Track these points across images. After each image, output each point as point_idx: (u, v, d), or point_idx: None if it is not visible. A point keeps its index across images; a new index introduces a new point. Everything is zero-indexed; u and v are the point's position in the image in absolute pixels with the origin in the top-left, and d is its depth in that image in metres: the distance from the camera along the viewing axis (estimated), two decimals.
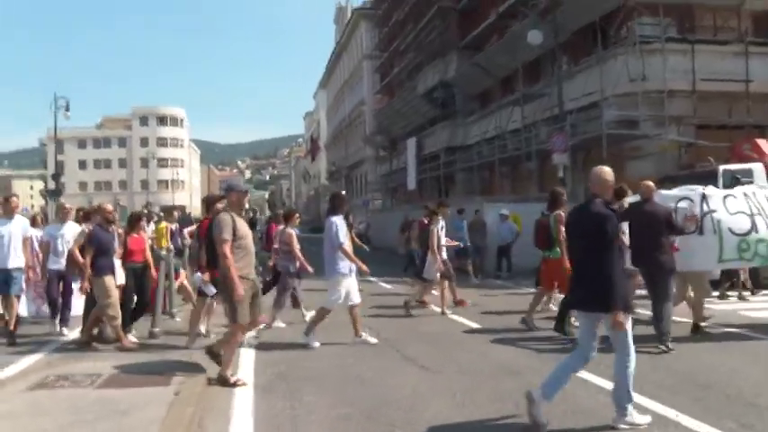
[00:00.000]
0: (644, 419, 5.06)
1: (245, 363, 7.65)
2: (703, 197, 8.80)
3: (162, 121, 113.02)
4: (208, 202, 9.05)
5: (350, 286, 8.55)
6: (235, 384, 6.50)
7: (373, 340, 8.66)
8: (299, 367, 7.41)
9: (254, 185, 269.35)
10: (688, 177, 15.96)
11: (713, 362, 7.28)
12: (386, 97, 50.02)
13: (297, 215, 11.16)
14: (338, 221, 8.51)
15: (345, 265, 8.47)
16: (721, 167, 15.33)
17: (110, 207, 9.30)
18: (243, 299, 6.47)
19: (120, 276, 8.91)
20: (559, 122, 21.99)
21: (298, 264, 10.32)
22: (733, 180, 14.62)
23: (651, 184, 8.51)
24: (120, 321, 8.38)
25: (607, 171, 5.32)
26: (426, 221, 12.22)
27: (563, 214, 9.29)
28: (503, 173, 28.91)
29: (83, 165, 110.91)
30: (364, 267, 8.79)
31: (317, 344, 8.47)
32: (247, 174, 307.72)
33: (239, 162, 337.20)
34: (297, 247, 10.30)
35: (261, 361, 7.78)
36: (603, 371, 6.04)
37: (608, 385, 5.47)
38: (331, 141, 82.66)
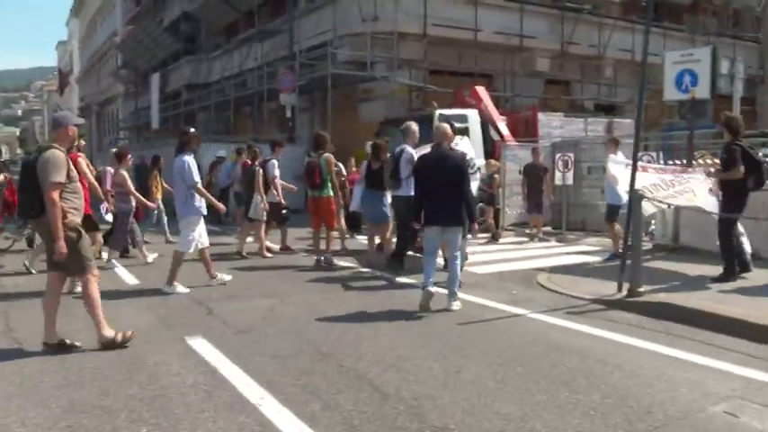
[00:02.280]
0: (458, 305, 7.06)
1: None
2: None
3: None
4: None
5: (202, 227, 8.51)
6: (124, 341, 5.69)
7: (227, 277, 8.75)
8: None
9: (3, 121, 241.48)
10: (407, 120, 15.80)
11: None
12: (138, 28, 45.75)
13: (129, 156, 11.22)
14: (189, 160, 8.31)
15: (199, 205, 8.38)
16: (437, 111, 15.32)
17: None
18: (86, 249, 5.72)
19: None
20: (291, 61, 20.87)
21: (135, 203, 10.60)
22: (447, 124, 14.62)
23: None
24: None
25: (446, 125, 7.66)
26: (249, 162, 12.09)
27: (332, 156, 10.44)
28: (245, 113, 27.38)
29: None
30: (221, 206, 9.31)
31: (185, 289, 8.17)
32: None
33: None
34: (131, 186, 10.54)
35: None
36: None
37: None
38: (83, 75, 75.22)
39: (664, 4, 26.92)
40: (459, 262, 7.31)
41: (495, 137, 16.01)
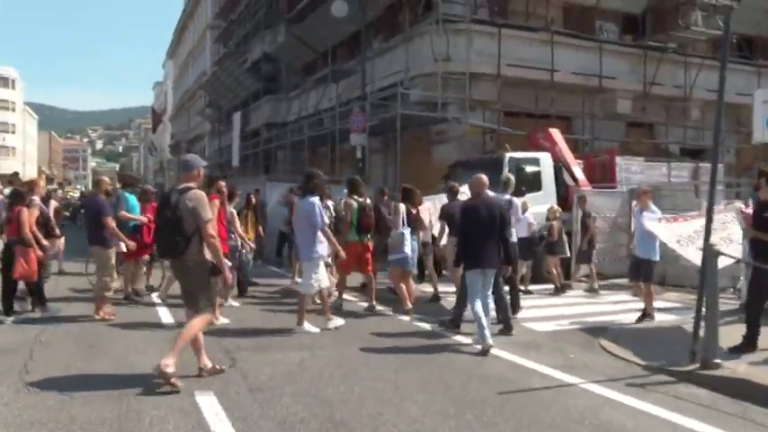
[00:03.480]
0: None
1: None
2: None
3: None
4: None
5: (323, 270, 8.62)
6: (173, 388, 5.54)
7: (340, 321, 8.60)
8: None
9: (105, 157, 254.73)
10: (477, 163, 15.17)
11: None
12: (221, 69, 47.08)
13: (238, 193, 11.14)
14: (317, 202, 8.38)
15: (324, 247, 8.44)
16: (507, 155, 14.65)
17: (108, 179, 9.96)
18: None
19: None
20: (364, 102, 20.64)
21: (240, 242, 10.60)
22: (518, 168, 13.93)
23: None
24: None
25: (483, 177, 8.01)
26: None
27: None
28: (322, 153, 27.28)
29: None
30: (342, 253, 8.85)
31: (315, 329, 8.28)
32: (99, 144, 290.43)
33: (90, 131, 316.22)
34: (238, 224, 10.65)
35: None
36: None
37: None
38: (175, 113, 78.45)
39: (758, 39, 25.38)
40: (491, 300, 7.82)
41: (570, 181, 15.15)
